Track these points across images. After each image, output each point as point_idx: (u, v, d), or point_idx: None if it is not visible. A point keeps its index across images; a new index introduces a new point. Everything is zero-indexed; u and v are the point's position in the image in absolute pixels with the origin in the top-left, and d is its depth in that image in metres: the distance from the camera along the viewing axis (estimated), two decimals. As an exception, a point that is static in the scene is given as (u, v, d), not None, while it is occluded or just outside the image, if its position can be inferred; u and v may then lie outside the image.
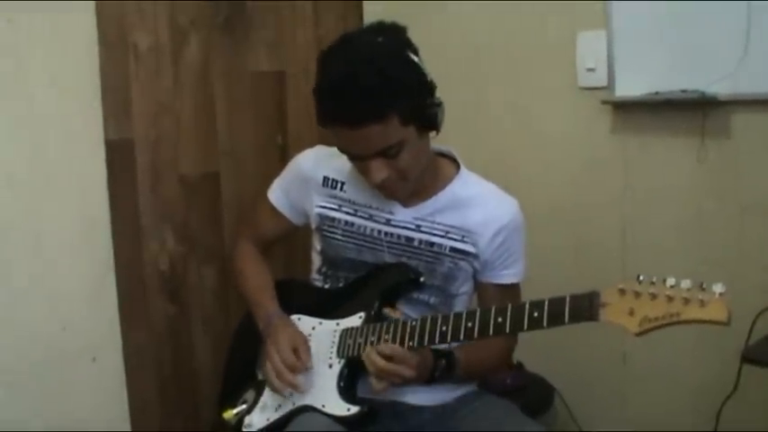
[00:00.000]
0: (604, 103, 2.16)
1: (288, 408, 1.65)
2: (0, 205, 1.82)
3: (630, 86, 2.11)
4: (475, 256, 1.68)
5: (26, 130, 1.86)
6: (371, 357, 1.53)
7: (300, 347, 1.65)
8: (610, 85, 2.15)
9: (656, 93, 2.05)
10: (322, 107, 1.53)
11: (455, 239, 1.68)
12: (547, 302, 1.41)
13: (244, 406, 1.72)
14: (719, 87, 1.94)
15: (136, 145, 2.09)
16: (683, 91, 1.99)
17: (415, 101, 1.53)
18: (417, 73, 1.54)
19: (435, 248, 1.68)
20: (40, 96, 1.87)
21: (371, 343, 1.59)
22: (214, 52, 2.24)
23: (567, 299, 1.39)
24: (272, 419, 1.66)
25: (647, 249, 2.15)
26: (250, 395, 1.73)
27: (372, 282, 1.70)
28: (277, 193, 1.86)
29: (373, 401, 1.62)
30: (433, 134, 1.62)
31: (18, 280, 1.86)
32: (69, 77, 1.92)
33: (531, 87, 2.33)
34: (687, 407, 2.15)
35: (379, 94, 1.46)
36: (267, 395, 1.70)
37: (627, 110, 2.15)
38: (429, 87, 1.57)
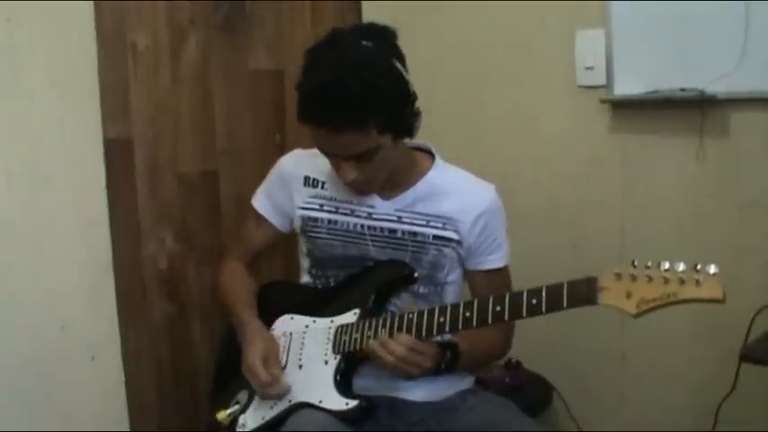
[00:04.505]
0: (603, 101, 2.16)
1: (284, 405, 1.65)
2: (-1, 204, 1.83)
3: (629, 85, 2.11)
4: (458, 242, 1.71)
5: (25, 129, 1.85)
6: (390, 346, 1.53)
7: (270, 357, 1.67)
8: (608, 84, 2.15)
9: (655, 91, 2.05)
10: (303, 107, 1.54)
11: (437, 227, 1.70)
12: (545, 289, 1.43)
13: (237, 406, 1.71)
14: (718, 86, 1.95)
15: (135, 144, 2.09)
16: (682, 90, 2.00)
17: (395, 112, 1.55)
18: (401, 84, 1.56)
19: (419, 238, 1.70)
20: (38, 96, 1.86)
21: (368, 337, 1.59)
22: (213, 51, 2.24)
23: (565, 284, 1.41)
24: (267, 418, 1.66)
25: (645, 248, 2.15)
26: (243, 395, 1.73)
27: (366, 279, 1.71)
28: (261, 200, 1.88)
29: (370, 397, 1.63)
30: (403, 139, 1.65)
31: (17, 279, 1.85)
32: (68, 77, 1.92)
33: (530, 86, 2.33)
34: (686, 406, 2.15)
35: (361, 105, 1.48)
36: None
37: (625, 108, 2.16)
38: (410, 98, 1.59)
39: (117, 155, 2.04)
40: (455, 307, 1.53)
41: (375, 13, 2.52)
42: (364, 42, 1.54)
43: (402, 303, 1.71)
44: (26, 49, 1.83)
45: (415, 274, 1.68)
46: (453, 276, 1.74)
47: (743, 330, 1.90)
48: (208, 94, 2.24)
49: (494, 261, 1.74)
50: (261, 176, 1.92)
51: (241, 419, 1.69)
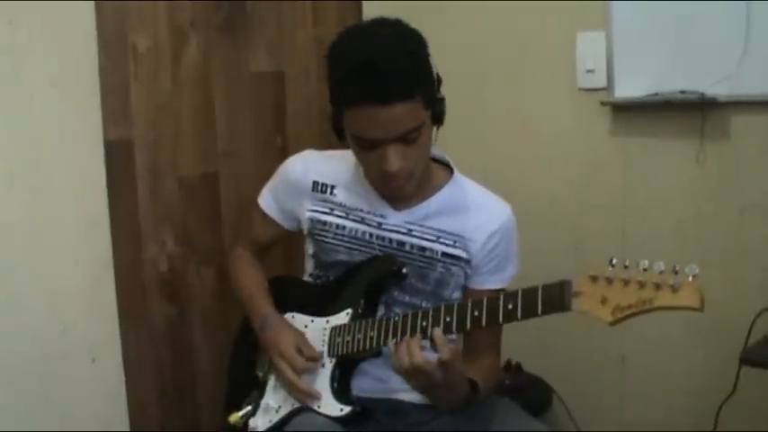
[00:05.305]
0: (604, 104, 2.16)
1: (287, 409, 1.65)
2: (0, 206, 1.83)
3: (630, 88, 2.11)
4: (467, 261, 1.67)
5: (26, 130, 1.86)
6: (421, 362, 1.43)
7: (303, 345, 1.65)
8: (609, 87, 2.15)
9: (656, 94, 2.05)
10: (350, 87, 1.47)
11: (447, 244, 1.66)
12: (520, 292, 1.39)
13: (249, 408, 1.72)
14: (719, 89, 1.95)
15: (135, 146, 2.09)
16: (683, 92, 2.00)
17: (433, 87, 1.55)
18: (432, 64, 1.55)
19: (427, 253, 1.66)
20: (39, 97, 1.87)
21: (358, 340, 1.59)
22: (213, 53, 2.24)
23: (540, 289, 1.36)
24: (274, 421, 1.67)
25: (646, 250, 2.12)
26: (253, 396, 1.73)
27: (357, 276, 1.68)
28: (267, 200, 1.84)
29: (369, 400, 1.63)
30: (434, 130, 1.60)
31: (18, 280, 1.86)
32: (69, 78, 1.92)
33: (531, 88, 2.33)
34: (685, 408, 2.15)
35: (410, 72, 1.46)
36: (268, 396, 1.71)
37: (626, 111, 2.15)
38: (439, 80, 1.58)
39: (118, 156, 2.05)
40: (437, 311, 1.50)
41: (376, 13, 2.51)
42: (392, 26, 1.53)
43: (398, 308, 1.68)
44: (27, 49, 1.84)
45: (404, 270, 1.64)
46: (457, 294, 1.71)
47: (743, 333, 1.91)
48: (208, 96, 2.24)
49: (493, 282, 1.68)
50: (262, 179, 1.91)
51: (251, 422, 1.69)
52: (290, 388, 1.64)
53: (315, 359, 1.63)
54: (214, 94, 2.25)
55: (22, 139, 1.85)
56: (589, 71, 2.18)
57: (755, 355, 1.72)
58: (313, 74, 2.46)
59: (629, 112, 2.15)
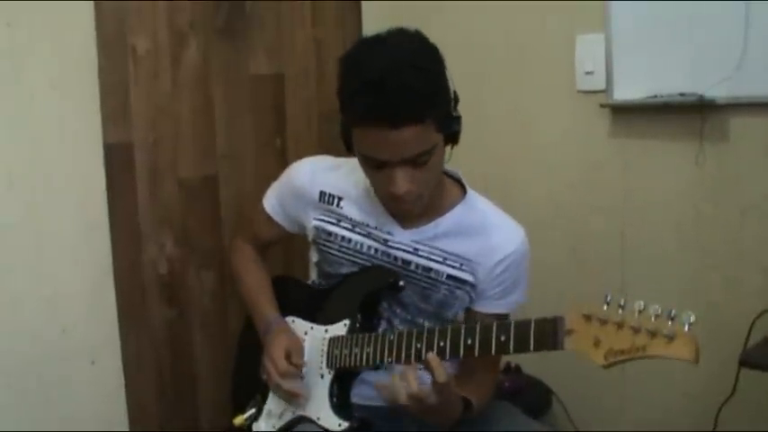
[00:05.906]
0: (603, 106, 2.16)
1: (289, 416, 1.66)
2: (0, 207, 1.83)
3: (629, 90, 2.11)
4: (472, 285, 1.62)
5: (26, 132, 1.86)
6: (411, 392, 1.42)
7: (293, 352, 1.64)
8: (608, 89, 2.15)
9: (655, 96, 2.05)
10: (358, 104, 1.40)
11: (453, 267, 1.62)
12: (513, 325, 1.37)
13: (252, 410, 1.72)
14: (718, 91, 1.95)
15: (135, 148, 2.09)
16: (682, 94, 2.00)
17: (448, 108, 1.48)
18: (448, 79, 1.49)
19: (432, 274, 1.63)
20: (39, 99, 1.87)
21: (355, 355, 1.57)
22: (213, 55, 2.24)
23: (533, 323, 1.34)
24: (277, 426, 1.67)
25: (645, 252, 2.15)
26: (257, 400, 1.74)
27: (354, 287, 1.66)
28: (272, 202, 1.81)
29: (369, 407, 1.62)
30: (447, 149, 1.54)
31: (17, 282, 1.86)
32: (68, 80, 1.92)
33: (530, 90, 2.33)
34: (685, 410, 2.15)
35: (423, 95, 1.39)
36: (271, 401, 1.71)
37: (625, 113, 2.16)
38: (456, 98, 1.52)
39: (117, 158, 2.05)
40: (431, 334, 1.47)
41: (375, 14, 2.53)
42: (409, 41, 1.47)
43: (400, 325, 1.67)
44: (26, 50, 1.84)
45: (401, 282, 1.61)
46: (460, 316, 1.67)
47: (742, 335, 1.91)
48: (208, 97, 2.24)
49: (499, 307, 1.63)
50: (262, 180, 1.90)
51: (254, 426, 1.70)
52: (274, 389, 1.65)
53: (298, 366, 1.62)
54: (213, 96, 2.25)
55: (22, 141, 1.85)
56: (588, 73, 2.19)
57: (755, 357, 1.71)
58: (312, 75, 2.46)
59: (629, 114, 2.15)
